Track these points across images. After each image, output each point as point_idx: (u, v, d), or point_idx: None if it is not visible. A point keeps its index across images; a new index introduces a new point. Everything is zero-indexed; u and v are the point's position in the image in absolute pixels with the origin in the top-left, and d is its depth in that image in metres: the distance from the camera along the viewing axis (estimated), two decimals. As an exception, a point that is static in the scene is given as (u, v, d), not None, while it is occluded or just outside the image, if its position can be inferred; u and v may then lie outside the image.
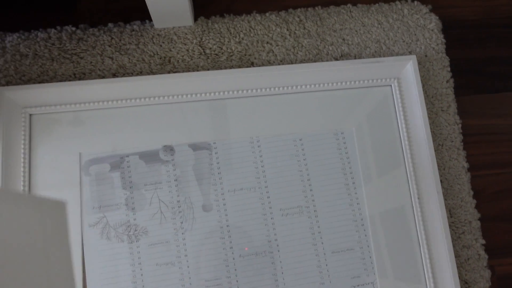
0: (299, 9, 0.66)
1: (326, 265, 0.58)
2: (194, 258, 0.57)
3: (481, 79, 0.67)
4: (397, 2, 0.68)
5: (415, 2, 0.68)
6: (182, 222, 0.58)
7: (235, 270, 0.57)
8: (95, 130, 0.60)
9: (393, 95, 0.63)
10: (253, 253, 0.57)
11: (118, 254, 0.57)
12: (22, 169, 0.57)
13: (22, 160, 0.58)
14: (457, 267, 0.58)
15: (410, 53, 0.66)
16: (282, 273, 0.57)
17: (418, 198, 0.59)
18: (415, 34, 0.67)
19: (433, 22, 0.67)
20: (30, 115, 0.60)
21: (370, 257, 0.58)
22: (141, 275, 0.56)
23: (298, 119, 0.61)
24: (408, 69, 0.63)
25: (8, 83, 0.61)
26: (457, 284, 0.56)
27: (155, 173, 0.59)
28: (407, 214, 0.59)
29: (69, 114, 0.60)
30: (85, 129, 0.59)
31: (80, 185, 0.58)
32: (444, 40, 0.66)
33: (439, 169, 0.61)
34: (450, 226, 0.59)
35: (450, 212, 0.60)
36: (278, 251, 0.58)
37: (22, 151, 0.58)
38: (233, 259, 0.57)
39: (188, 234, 0.58)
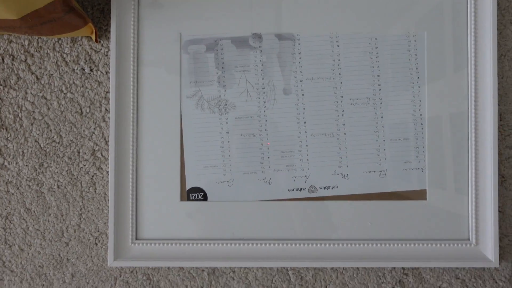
0: None
1: (384, 149, 0.67)
2: (273, 132, 0.67)
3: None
4: None
5: None
6: (264, 102, 0.68)
7: (306, 146, 0.67)
8: (194, 14, 0.67)
9: (467, 3, 0.67)
10: (323, 133, 0.67)
11: (210, 123, 0.67)
12: (132, 44, 0.67)
13: (132, 36, 0.67)
14: (498, 163, 0.66)
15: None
16: (346, 152, 0.67)
17: (475, 101, 0.66)
18: None
19: None
20: (139, -5, 0.67)
21: (423, 147, 0.67)
22: (228, 142, 0.67)
23: (375, 20, 0.67)
24: (485, -20, 0.66)
25: (118, -36, 0.68)
26: (495, 176, 0.65)
27: (244, 57, 0.68)
28: (463, 118, 0.67)
29: (171, -3, 0.67)
30: (186, 12, 0.67)
31: (180, 62, 0.67)
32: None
33: (497, 77, 0.67)
34: (498, 128, 0.67)
35: (500, 116, 0.68)
36: (345, 133, 0.67)
37: (132, 28, 0.67)
38: (306, 136, 0.67)
39: (269, 112, 0.67)
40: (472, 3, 0.67)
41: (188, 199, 0.67)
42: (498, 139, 0.66)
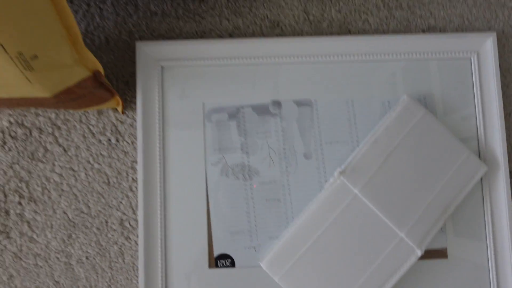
0: (395, -16, 0.73)
1: (404, 208, 0.70)
2: (296, 196, 0.70)
3: (549, 55, 0.75)
4: (483, -20, 0.74)
5: (500, -19, 0.74)
6: (287, 166, 0.70)
7: (329, 207, 0.69)
8: (216, 83, 0.70)
9: (471, 67, 0.72)
10: (344, 194, 0.70)
11: (235, 189, 0.70)
12: (157, 114, 0.69)
13: (157, 105, 0.69)
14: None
15: (489, 29, 0.74)
16: (367, 212, 0.70)
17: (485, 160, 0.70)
18: (495, 11, 0.74)
19: (514, 1, 0.74)
20: (162, 67, 0.70)
21: (441, 204, 0.70)
22: (253, 207, 0.69)
23: (386, 85, 0.71)
24: (487, 45, 0.71)
25: (141, 38, 0.71)
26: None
27: (265, 124, 0.70)
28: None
29: (193, 68, 0.70)
30: (207, 82, 0.70)
31: (204, 130, 0.70)
32: (524, 20, 0.73)
33: (506, 135, 0.71)
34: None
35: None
36: (365, 194, 0.70)
37: (157, 99, 0.69)
38: (328, 198, 0.70)
39: (292, 177, 0.70)
40: (476, 67, 0.71)
41: (216, 266, 0.68)
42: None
